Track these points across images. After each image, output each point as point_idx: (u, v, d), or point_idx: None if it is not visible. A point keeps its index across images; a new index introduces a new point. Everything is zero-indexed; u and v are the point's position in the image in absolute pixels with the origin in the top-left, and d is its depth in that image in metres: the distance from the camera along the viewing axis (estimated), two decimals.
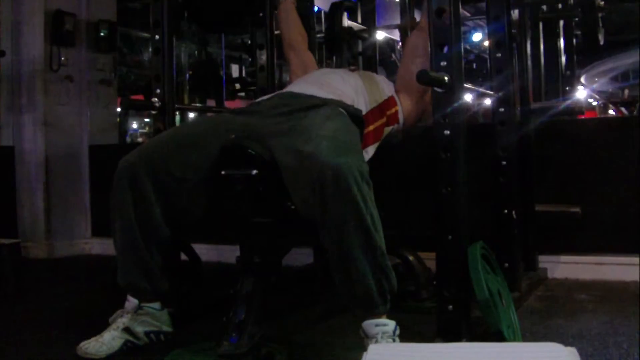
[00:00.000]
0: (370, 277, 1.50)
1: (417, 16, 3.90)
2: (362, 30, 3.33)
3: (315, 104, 1.82)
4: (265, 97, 2.04)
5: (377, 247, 1.50)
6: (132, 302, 1.79)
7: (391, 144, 2.13)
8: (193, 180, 1.73)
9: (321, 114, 1.73)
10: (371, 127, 1.97)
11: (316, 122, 1.67)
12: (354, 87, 2.03)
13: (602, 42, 3.53)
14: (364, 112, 1.96)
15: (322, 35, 3.41)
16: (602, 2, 3.39)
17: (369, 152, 1.96)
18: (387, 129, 2.07)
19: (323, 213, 1.48)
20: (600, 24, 3.39)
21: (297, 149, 1.56)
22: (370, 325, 1.53)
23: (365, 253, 1.49)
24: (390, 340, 1.52)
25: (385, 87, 2.14)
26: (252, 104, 2.00)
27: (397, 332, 1.54)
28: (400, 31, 3.09)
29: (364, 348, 1.52)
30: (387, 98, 2.10)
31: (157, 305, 1.81)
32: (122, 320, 1.76)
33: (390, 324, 1.54)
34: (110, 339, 1.71)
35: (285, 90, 2.07)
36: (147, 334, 1.77)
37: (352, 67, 2.40)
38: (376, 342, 1.50)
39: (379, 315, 1.54)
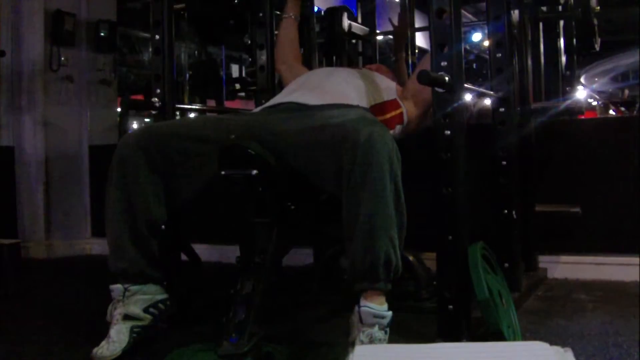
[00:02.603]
0: (381, 247, 1.49)
1: (417, 20, 3.90)
2: (362, 31, 3.33)
3: (327, 110, 1.81)
4: (264, 106, 2.01)
5: (402, 220, 1.52)
6: (116, 290, 1.75)
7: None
8: (186, 162, 1.74)
9: (336, 112, 1.73)
10: None
11: (333, 114, 1.68)
12: (356, 88, 2.04)
13: (597, 49, 3.54)
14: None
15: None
16: (598, 7, 3.39)
17: None
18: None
19: (355, 176, 1.48)
20: (596, 30, 3.39)
21: (320, 125, 1.59)
22: (369, 314, 1.51)
23: (378, 221, 1.49)
24: (382, 332, 1.51)
25: (385, 90, 2.14)
26: (253, 114, 1.99)
27: (390, 322, 1.54)
28: (396, 36, 3.08)
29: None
30: (389, 100, 2.10)
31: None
32: (117, 312, 1.73)
33: (387, 317, 1.53)
34: (116, 334, 1.68)
35: (284, 98, 2.01)
36: (145, 310, 1.74)
37: (352, 66, 2.39)
38: (369, 335, 1.49)
39: (378, 294, 1.53)
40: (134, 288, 1.76)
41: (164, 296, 1.80)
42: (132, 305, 1.73)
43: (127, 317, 1.72)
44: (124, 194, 1.74)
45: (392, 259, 1.51)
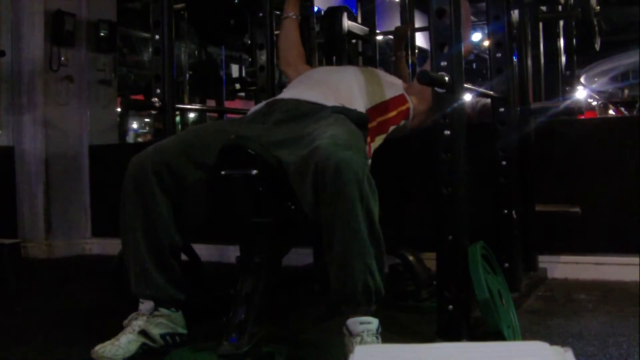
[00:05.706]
0: (358, 275, 1.51)
1: (417, 20, 3.90)
2: (362, 31, 3.33)
3: (320, 115, 1.82)
4: (264, 104, 2.02)
5: (378, 246, 1.51)
6: (147, 304, 1.76)
7: (394, 140, 2.15)
8: (200, 181, 1.74)
9: (324, 123, 1.74)
10: (374, 123, 2.01)
11: (320, 129, 1.68)
12: (360, 85, 2.07)
13: (597, 49, 3.54)
14: (364, 110, 2.00)
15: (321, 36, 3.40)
16: (598, 7, 3.39)
17: (376, 141, 2.03)
18: (393, 127, 2.12)
19: (325, 204, 1.50)
20: (597, 29, 3.39)
21: (303, 148, 1.59)
22: (355, 323, 1.53)
23: (352, 250, 1.49)
24: (374, 337, 1.52)
25: (390, 86, 2.18)
26: (256, 113, 1.99)
27: (380, 329, 1.55)
28: (396, 36, 3.09)
29: (344, 345, 1.54)
30: (395, 96, 2.15)
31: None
32: (137, 323, 1.72)
33: (374, 322, 1.55)
34: (126, 342, 1.67)
35: (285, 95, 2.04)
36: (162, 336, 1.73)
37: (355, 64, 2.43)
38: (361, 339, 1.50)
39: (363, 314, 1.54)
40: (163, 311, 1.76)
41: (184, 331, 1.79)
42: (153, 326, 1.73)
43: (144, 333, 1.71)
44: (144, 219, 1.72)
45: (370, 285, 1.52)
